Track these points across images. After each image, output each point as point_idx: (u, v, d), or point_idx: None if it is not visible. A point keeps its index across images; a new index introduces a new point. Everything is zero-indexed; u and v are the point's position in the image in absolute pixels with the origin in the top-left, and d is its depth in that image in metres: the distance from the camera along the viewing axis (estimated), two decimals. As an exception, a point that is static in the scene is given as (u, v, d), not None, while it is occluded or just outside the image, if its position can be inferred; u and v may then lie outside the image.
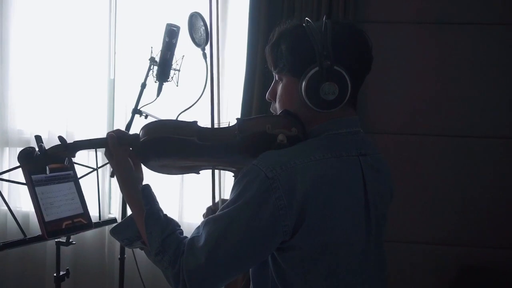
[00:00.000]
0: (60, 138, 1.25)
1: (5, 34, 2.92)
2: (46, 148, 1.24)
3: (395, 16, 2.71)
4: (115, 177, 1.26)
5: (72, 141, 1.26)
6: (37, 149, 1.24)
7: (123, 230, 1.25)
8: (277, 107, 1.22)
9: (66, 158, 1.27)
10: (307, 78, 1.10)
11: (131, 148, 1.25)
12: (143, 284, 2.35)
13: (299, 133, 1.15)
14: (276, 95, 1.22)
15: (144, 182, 1.26)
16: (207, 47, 1.94)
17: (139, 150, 1.22)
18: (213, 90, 1.81)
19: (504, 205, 2.70)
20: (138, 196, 1.21)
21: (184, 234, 1.19)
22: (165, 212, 1.20)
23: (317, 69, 1.09)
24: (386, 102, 2.74)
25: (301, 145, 1.13)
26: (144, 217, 1.17)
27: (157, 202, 1.21)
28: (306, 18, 1.16)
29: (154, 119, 2.21)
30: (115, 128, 2.93)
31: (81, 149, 1.30)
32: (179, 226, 1.19)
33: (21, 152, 1.21)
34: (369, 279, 1.18)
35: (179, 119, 2.18)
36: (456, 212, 2.72)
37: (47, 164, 1.25)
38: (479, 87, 2.68)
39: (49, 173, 1.33)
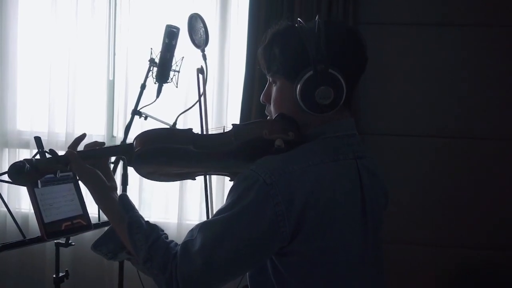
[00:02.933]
0: (51, 151, 1.21)
1: (5, 35, 2.91)
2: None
3: (394, 18, 2.71)
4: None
5: (63, 153, 1.22)
6: (37, 150, 1.22)
7: (105, 243, 1.22)
8: (272, 110, 1.21)
9: (58, 171, 1.22)
10: (302, 82, 1.09)
11: (112, 159, 1.20)
12: (142, 286, 2.35)
13: (296, 137, 1.14)
14: (270, 97, 1.20)
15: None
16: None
17: (133, 161, 1.19)
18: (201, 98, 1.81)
19: (503, 206, 2.70)
20: (116, 206, 1.18)
21: (160, 229, 1.17)
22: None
23: (311, 73, 1.08)
24: (384, 103, 2.74)
25: (298, 150, 1.12)
26: (127, 226, 1.14)
27: (136, 209, 1.18)
28: (298, 19, 1.14)
29: (153, 120, 2.21)
30: (114, 130, 2.95)
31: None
32: (163, 231, 1.17)
33: (10, 167, 1.15)
34: (368, 282, 1.18)
35: (178, 119, 2.21)
36: (455, 214, 2.72)
37: (38, 178, 1.21)
38: (477, 89, 2.69)
39: (41, 186, 1.29)
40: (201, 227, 1.10)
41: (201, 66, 2.05)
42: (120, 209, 1.17)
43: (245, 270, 1.14)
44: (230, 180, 1.21)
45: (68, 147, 1.23)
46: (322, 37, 1.08)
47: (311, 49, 1.08)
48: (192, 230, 1.11)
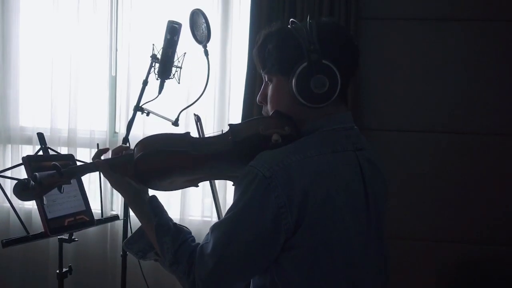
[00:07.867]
0: (54, 165, 1.20)
1: (8, 31, 2.92)
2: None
3: (397, 13, 2.70)
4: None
5: (67, 168, 1.23)
6: (40, 146, 1.22)
7: (136, 242, 1.25)
8: (268, 108, 1.22)
9: (63, 186, 1.23)
10: (297, 74, 1.11)
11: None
12: (145, 281, 2.36)
13: (293, 132, 1.15)
14: (267, 97, 1.22)
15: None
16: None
17: (134, 168, 1.20)
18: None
19: (504, 202, 2.70)
20: (145, 209, 1.21)
21: (187, 232, 1.20)
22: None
23: (306, 64, 1.10)
24: (387, 99, 2.74)
25: (296, 143, 1.13)
26: (155, 229, 1.17)
27: (166, 211, 1.21)
28: (291, 19, 1.17)
29: (155, 117, 2.22)
30: (116, 126, 2.95)
31: (77, 175, 1.28)
32: (190, 233, 1.20)
33: (15, 185, 1.17)
34: (371, 274, 1.18)
35: (181, 115, 2.21)
36: (456, 209, 2.72)
37: (43, 194, 1.22)
38: (480, 84, 2.68)
39: (46, 202, 1.30)
40: (213, 229, 1.12)
41: (198, 116, 2.01)
42: (149, 211, 1.20)
43: (258, 267, 1.14)
44: (233, 185, 1.20)
45: (92, 158, 1.27)
46: (314, 32, 1.11)
47: (304, 42, 1.10)
48: (208, 233, 1.14)
